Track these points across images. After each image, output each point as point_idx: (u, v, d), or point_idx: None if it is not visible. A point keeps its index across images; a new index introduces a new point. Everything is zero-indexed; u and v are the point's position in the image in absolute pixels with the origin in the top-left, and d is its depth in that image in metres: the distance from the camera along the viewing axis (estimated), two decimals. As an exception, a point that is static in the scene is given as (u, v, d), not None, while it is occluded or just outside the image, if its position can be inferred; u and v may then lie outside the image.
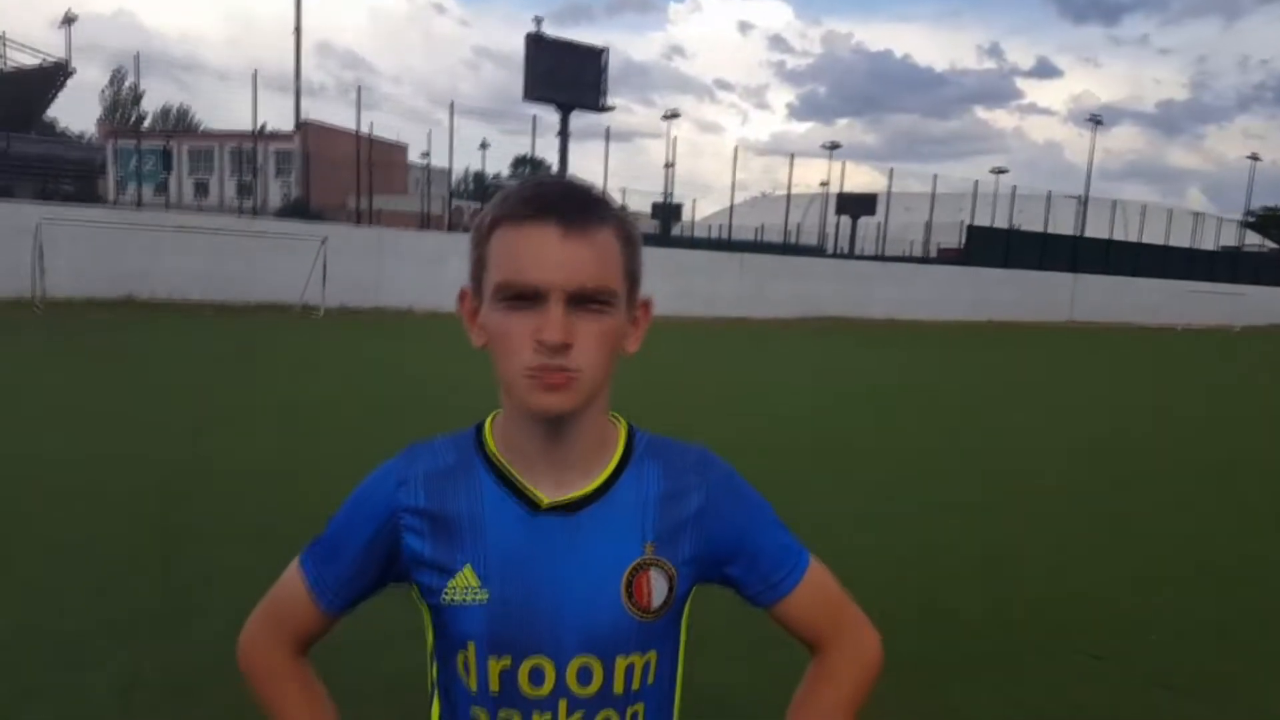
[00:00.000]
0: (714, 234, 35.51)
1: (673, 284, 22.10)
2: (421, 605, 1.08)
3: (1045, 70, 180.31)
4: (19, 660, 3.37)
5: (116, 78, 40.65)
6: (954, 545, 5.35)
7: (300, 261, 19.06)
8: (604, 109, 34.49)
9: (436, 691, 1.10)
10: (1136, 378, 16.45)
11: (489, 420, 1.09)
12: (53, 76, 27.31)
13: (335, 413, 8.46)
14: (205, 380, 9.97)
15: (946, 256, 34.27)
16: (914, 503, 6.33)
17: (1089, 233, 37.25)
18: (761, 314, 25.44)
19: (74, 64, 26.60)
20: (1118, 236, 38.43)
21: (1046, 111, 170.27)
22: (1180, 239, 40.95)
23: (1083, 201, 37.58)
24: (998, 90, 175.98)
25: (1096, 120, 41.28)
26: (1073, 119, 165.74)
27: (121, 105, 45.44)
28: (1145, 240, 38.89)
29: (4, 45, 22.81)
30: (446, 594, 1.02)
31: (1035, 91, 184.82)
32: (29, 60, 25.78)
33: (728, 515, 1.08)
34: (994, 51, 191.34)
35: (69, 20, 25.61)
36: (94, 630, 3.60)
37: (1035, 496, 6.68)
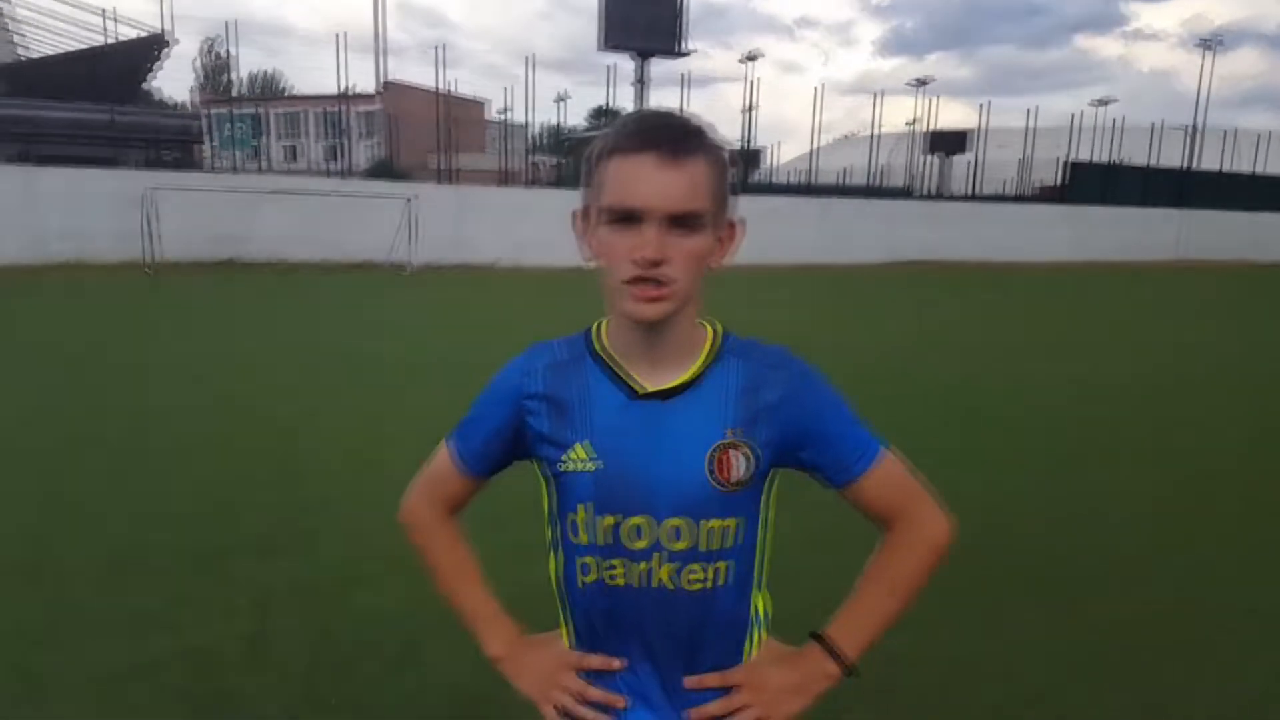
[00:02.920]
0: (796, 179, 34.81)
1: (752, 231, 21.35)
2: (543, 476, 1.28)
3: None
4: (170, 569, 3.79)
5: (209, 47, 41.89)
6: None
7: (388, 220, 19.57)
8: (682, 54, 33.91)
9: (553, 548, 1.30)
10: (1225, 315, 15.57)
11: (596, 324, 1.28)
12: (151, 48, 28.36)
13: (430, 369, 8.73)
14: (315, 337, 10.40)
15: (1046, 195, 32.75)
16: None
17: (1201, 166, 34.89)
18: (845, 260, 24.91)
19: (171, 34, 27.53)
20: (1233, 168, 35.86)
21: (1156, 37, 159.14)
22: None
23: (1189, 132, 35.04)
24: (1102, 16, 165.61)
25: (1210, 43, 38.52)
26: (1186, 44, 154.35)
27: (214, 73, 46.91)
28: (1264, 172, 36.20)
29: (111, 20, 23.64)
30: (563, 464, 1.23)
31: (1144, 15, 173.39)
32: (129, 33, 26.80)
33: (802, 405, 1.23)
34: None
35: (164, -9, 26.47)
36: (230, 548, 4.03)
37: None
